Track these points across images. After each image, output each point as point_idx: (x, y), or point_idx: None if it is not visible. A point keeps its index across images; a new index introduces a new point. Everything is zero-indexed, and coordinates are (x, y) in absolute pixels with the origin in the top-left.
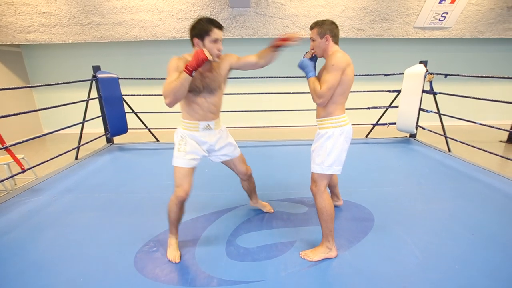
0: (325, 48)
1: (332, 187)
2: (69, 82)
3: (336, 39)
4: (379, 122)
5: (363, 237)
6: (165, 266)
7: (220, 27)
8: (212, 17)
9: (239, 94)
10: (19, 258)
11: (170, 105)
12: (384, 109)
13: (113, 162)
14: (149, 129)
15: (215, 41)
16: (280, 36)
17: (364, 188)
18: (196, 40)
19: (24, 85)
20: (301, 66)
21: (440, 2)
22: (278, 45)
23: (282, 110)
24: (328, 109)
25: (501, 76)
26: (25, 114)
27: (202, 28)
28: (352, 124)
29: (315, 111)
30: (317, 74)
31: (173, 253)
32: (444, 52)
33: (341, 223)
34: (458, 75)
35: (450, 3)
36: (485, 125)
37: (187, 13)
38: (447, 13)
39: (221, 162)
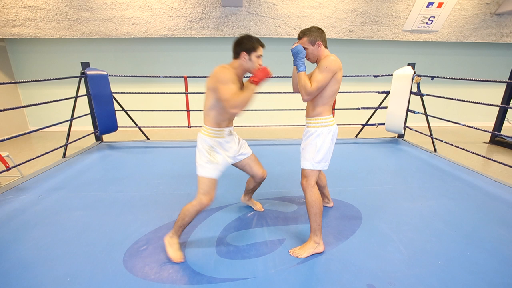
0: (318, 54)
1: (321, 188)
2: (56, 79)
3: (325, 43)
4: (368, 123)
5: (351, 234)
6: (155, 265)
7: (263, 45)
8: (203, 15)
9: None
10: (3, 258)
11: (238, 114)
12: (373, 110)
13: (102, 160)
14: (139, 127)
15: (259, 56)
16: (256, 74)
17: (353, 187)
18: (243, 53)
19: (9, 81)
20: (296, 52)
21: (427, 6)
22: (255, 82)
23: (271, 110)
24: (318, 109)
25: (485, 79)
26: (10, 110)
27: (251, 45)
28: (342, 124)
29: (305, 110)
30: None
31: (176, 253)
32: (431, 55)
33: (330, 221)
34: (444, 78)
35: (437, 7)
36: (469, 126)
37: (179, 11)
38: (434, 17)
39: (235, 165)
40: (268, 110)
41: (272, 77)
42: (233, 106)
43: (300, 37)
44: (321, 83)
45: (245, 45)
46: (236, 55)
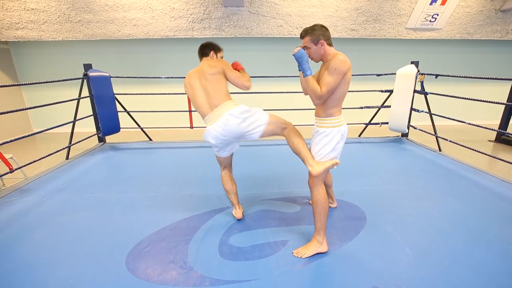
0: (322, 53)
1: (327, 188)
2: (59, 80)
3: (329, 41)
4: (371, 122)
5: (355, 235)
6: (157, 267)
7: (223, 50)
8: (205, 16)
9: (233, 93)
10: (7, 259)
11: (250, 88)
12: (377, 109)
13: (105, 161)
14: (141, 128)
15: (221, 57)
16: (237, 67)
17: (357, 187)
18: (212, 52)
19: (13, 83)
20: (299, 58)
21: (431, 4)
22: (242, 69)
23: (275, 110)
24: (329, 110)
25: (490, 77)
26: (14, 112)
27: (217, 47)
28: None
29: (312, 110)
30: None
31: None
32: (434, 53)
33: (334, 221)
34: (448, 76)
35: (441, 4)
36: (474, 125)
37: (180, 11)
38: (437, 14)
39: (224, 159)
40: (271, 110)
41: (275, 76)
42: (246, 80)
43: (302, 36)
44: (332, 85)
45: (213, 47)
46: (206, 54)
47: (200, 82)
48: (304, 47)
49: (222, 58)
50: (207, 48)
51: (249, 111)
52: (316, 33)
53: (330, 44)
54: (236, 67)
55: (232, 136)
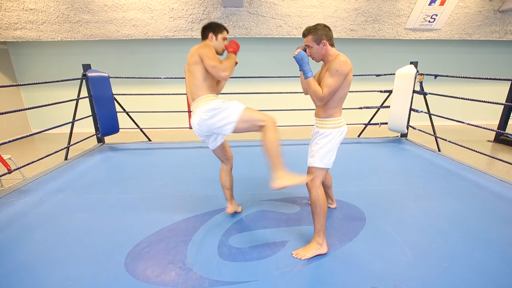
0: (323, 53)
1: (327, 189)
2: (58, 81)
3: (332, 41)
4: (371, 122)
5: (355, 236)
6: (156, 268)
7: (228, 31)
8: (204, 16)
9: (232, 94)
10: (5, 260)
11: (228, 77)
12: (376, 109)
13: (104, 162)
14: (141, 129)
15: (224, 39)
16: (230, 46)
17: (356, 188)
18: (211, 34)
19: (12, 83)
20: (300, 60)
21: (430, 4)
22: (234, 52)
23: (274, 110)
24: (329, 111)
25: (489, 77)
26: (12, 113)
27: (218, 28)
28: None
29: (312, 110)
30: (314, 75)
31: (295, 177)
32: (434, 53)
33: (333, 222)
34: (447, 76)
35: (440, 5)
36: (473, 125)
37: (179, 12)
38: (436, 15)
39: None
40: (270, 110)
41: (274, 77)
42: (222, 70)
43: (305, 35)
44: (333, 87)
45: (213, 28)
46: (205, 37)
47: (187, 71)
48: (306, 46)
49: (225, 39)
50: (206, 30)
51: (218, 108)
52: (318, 33)
53: (332, 45)
54: (228, 47)
55: (206, 131)
